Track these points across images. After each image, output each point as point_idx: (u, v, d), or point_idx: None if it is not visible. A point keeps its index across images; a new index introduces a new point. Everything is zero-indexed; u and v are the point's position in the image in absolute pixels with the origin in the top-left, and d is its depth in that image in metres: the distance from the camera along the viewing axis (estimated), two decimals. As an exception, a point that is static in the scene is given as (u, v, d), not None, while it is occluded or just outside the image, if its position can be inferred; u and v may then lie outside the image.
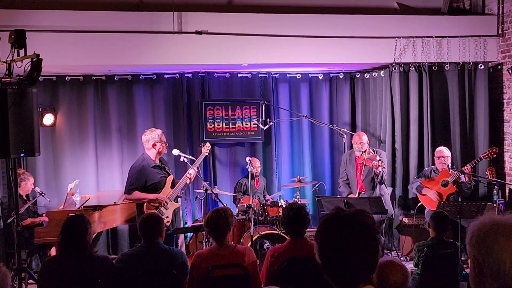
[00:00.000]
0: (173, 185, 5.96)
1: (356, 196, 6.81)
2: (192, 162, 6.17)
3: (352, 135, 7.30)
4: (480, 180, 6.79)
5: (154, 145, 5.85)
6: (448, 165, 6.67)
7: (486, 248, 1.68)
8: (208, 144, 6.58)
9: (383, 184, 6.94)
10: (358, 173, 6.94)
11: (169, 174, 6.00)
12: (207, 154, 6.50)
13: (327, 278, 1.85)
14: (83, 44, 6.47)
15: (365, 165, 6.74)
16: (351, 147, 7.29)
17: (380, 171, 6.66)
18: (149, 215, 4.48)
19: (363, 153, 6.77)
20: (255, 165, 7.40)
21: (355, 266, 1.80)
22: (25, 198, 6.68)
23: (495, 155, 6.75)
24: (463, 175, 6.65)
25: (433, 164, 7.17)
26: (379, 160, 6.60)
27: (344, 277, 1.82)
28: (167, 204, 5.79)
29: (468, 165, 6.66)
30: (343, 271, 1.81)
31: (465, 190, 6.73)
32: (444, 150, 6.93)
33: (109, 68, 7.26)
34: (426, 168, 7.17)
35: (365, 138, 6.94)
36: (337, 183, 7.52)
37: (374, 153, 6.80)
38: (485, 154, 6.70)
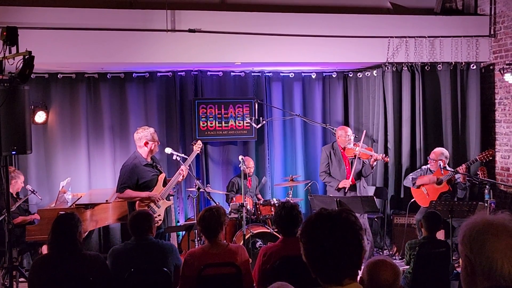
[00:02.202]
0: (165, 183, 5.95)
1: (349, 185, 6.76)
2: (184, 160, 6.17)
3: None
4: (472, 180, 6.82)
5: (146, 144, 5.84)
6: (440, 165, 6.69)
7: (477, 247, 1.69)
8: (199, 142, 6.58)
9: (366, 177, 6.99)
10: (347, 167, 6.89)
11: (161, 172, 5.99)
12: (198, 152, 6.51)
13: (313, 276, 1.89)
14: (76, 42, 6.44)
15: (358, 158, 6.72)
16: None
17: (375, 165, 6.69)
18: (139, 212, 4.47)
19: (353, 146, 6.76)
20: (249, 165, 7.40)
21: (339, 262, 1.83)
22: (15, 196, 6.64)
23: (491, 157, 6.78)
24: (458, 175, 6.67)
25: (426, 163, 7.19)
26: (379, 154, 6.66)
27: (329, 273, 1.86)
28: (159, 202, 5.79)
29: (463, 165, 6.68)
30: (328, 268, 1.85)
31: (460, 191, 6.75)
32: (436, 152, 6.92)
33: (101, 66, 7.23)
34: (423, 167, 7.18)
35: (350, 131, 6.96)
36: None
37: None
38: (481, 156, 6.72)
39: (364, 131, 6.97)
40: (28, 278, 4.13)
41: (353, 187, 6.84)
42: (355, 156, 6.70)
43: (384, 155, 6.76)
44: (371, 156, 6.62)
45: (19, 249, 6.14)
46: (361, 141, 6.81)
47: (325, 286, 1.86)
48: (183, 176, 6.08)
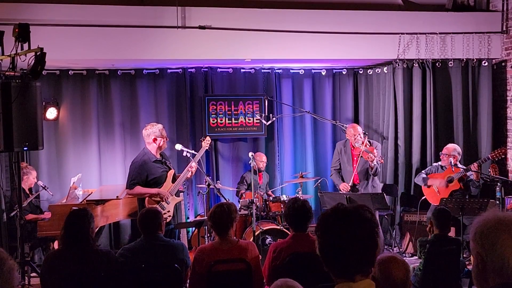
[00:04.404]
0: (174, 179, 5.98)
1: (350, 185, 6.78)
2: (194, 156, 6.19)
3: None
4: (483, 177, 6.78)
5: (154, 140, 5.87)
6: (450, 162, 6.66)
7: (489, 244, 1.69)
8: (208, 138, 6.60)
9: (376, 176, 6.95)
10: (354, 165, 6.87)
11: (170, 169, 6.01)
12: (207, 148, 6.53)
13: (326, 270, 1.90)
14: (87, 38, 6.47)
15: (361, 156, 6.72)
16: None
17: (374, 164, 6.65)
18: (148, 209, 4.49)
19: (361, 145, 6.74)
20: (261, 159, 7.42)
21: (352, 258, 1.84)
22: (28, 192, 6.70)
23: (503, 156, 6.73)
24: (470, 173, 6.63)
25: (437, 160, 7.16)
26: (376, 154, 6.62)
27: (341, 268, 1.87)
28: (168, 198, 5.81)
29: (475, 163, 6.63)
30: (341, 262, 1.86)
31: (473, 188, 6.71)
32: (449, 147, 6.89)
33: (112, 62, 7.26)
34: (434, 164, 7.15)
35: (360, 129, 6.92)
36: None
37: (371, 145, 6.80)
38: (493, 154, 6.67)
39: (366, 135, 6.93)
40: (40, 273, 4.17)
41: (360, 186, 6.86)
42: (359, 154, 6.71)
43: (380, 157, 6.70)
44: (369, 156, 6.59)
45: (30, 244, 6.21)
46: (365, 141, 6.77)
47: (337, 281, 1.87)
48: (191, 172, 6.10)
